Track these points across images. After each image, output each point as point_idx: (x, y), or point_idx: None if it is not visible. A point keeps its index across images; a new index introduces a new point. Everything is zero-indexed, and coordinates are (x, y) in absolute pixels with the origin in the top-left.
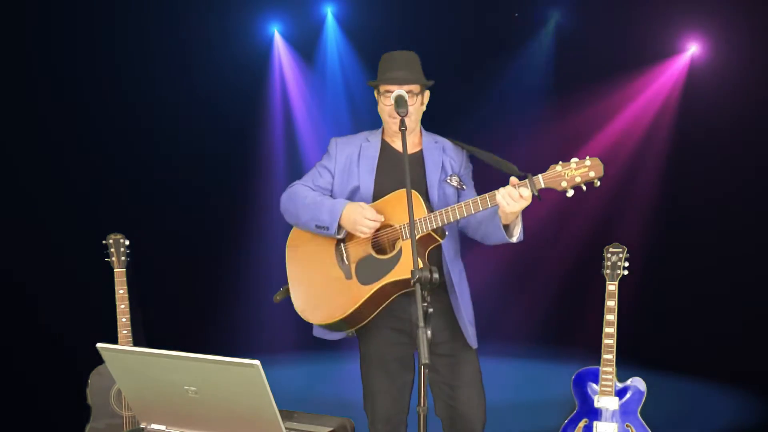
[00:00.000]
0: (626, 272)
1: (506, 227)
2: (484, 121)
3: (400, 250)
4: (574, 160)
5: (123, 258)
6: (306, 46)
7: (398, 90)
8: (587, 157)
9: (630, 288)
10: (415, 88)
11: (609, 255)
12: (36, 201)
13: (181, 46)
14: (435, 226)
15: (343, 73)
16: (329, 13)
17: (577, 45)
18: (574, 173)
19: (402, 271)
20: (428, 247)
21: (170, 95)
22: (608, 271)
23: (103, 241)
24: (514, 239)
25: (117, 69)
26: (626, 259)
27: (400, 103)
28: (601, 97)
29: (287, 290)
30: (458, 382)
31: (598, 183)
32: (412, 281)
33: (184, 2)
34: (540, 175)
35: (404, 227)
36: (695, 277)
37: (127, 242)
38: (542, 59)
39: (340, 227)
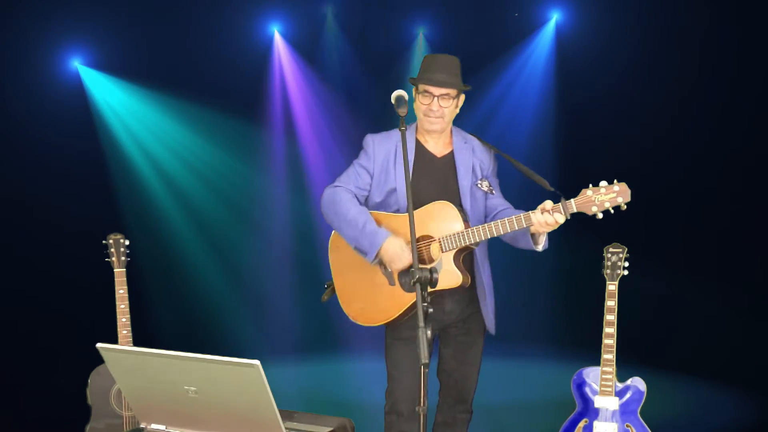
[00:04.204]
0: (626, 272)
1: (532, 235)
2: (484, 121)
3: (441, 260)
4: (603, 184)
5: (123, 258)
6: (306, 46)
7: (398, 91)
8: (615, 182)
9: (630, 288)
10: (452, 91)
11: (609, 255)
12: (36, 201)
13: (183, 47)
14: (472, 242)
15: (343, 73)
16: (329, 13)
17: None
18: (604, 198)
19: (441, 281)
20: (462, 253)
21: (170, 96)
22: (608, 271)
23: (103, 241)
24: (540, 247)
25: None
26: (626, 259)
27: (400, 103)
28: None
29: (333, 289)
30: (464, 358)
31: (625, 207)
32: (411, 281)
33: (185, 3)
34: (572, 200)
35: (444, 239)
36: (695, 276)
37: (127, 242)
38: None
39: (376, 255)
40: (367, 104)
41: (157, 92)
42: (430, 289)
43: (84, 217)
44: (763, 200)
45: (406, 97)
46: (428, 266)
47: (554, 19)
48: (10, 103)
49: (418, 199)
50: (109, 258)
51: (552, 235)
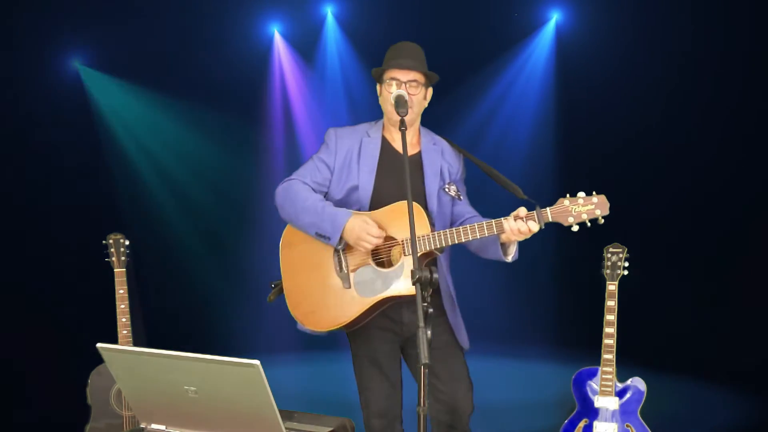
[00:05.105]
0: (626, 272)
1: (502, 245)
2: (484, 121)
3: (402, 264)
4: (581, 195)
5: (123, 258)
6: (306, 46)
7: (398, 90)
8: (594, 194)
9: (630, 288)
10: (420, 78)
11: (609, 255)
12: (35, 201)
13: (183, 47)
14: (438, 246)
15: (343, 73)
16: (329, 13)
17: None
18: (581, 209)
19: (402, 287)
20: (426, 260)
21: (170, 95)
22: (608, 271)
23: (103, 241)
24: (510, 258)
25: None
26: (626, 259)
27: (400, 103)
28: None
29: (280, 289)
30: (447, 376)
31: (602, 220)
32: (412, 281)
33: (185, 3)
34: (548, 209)
35: (407, 242)
36: (695, 276)
37: (127, 242)
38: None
39: (341, 238)
40: (366, 104)
41: (157, 92)
42: (386, 295)
43: (84, 217)
44: (763, 198)
45: (406, 97)
46: (390, 269)
47: (554, 19)
48: (11, 103)
49: (381, 198)
50: (109, 258)
51: (552, 235)
